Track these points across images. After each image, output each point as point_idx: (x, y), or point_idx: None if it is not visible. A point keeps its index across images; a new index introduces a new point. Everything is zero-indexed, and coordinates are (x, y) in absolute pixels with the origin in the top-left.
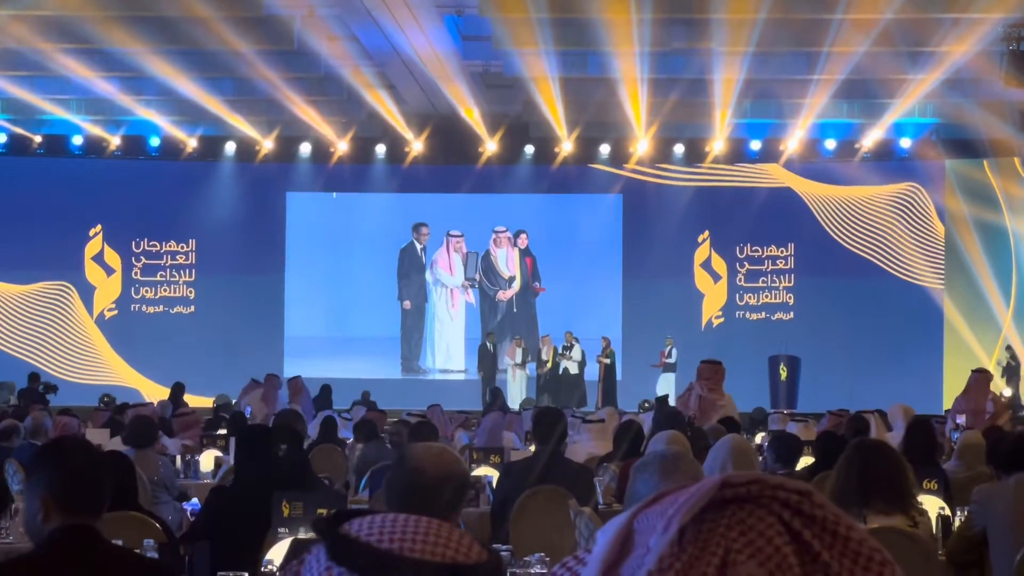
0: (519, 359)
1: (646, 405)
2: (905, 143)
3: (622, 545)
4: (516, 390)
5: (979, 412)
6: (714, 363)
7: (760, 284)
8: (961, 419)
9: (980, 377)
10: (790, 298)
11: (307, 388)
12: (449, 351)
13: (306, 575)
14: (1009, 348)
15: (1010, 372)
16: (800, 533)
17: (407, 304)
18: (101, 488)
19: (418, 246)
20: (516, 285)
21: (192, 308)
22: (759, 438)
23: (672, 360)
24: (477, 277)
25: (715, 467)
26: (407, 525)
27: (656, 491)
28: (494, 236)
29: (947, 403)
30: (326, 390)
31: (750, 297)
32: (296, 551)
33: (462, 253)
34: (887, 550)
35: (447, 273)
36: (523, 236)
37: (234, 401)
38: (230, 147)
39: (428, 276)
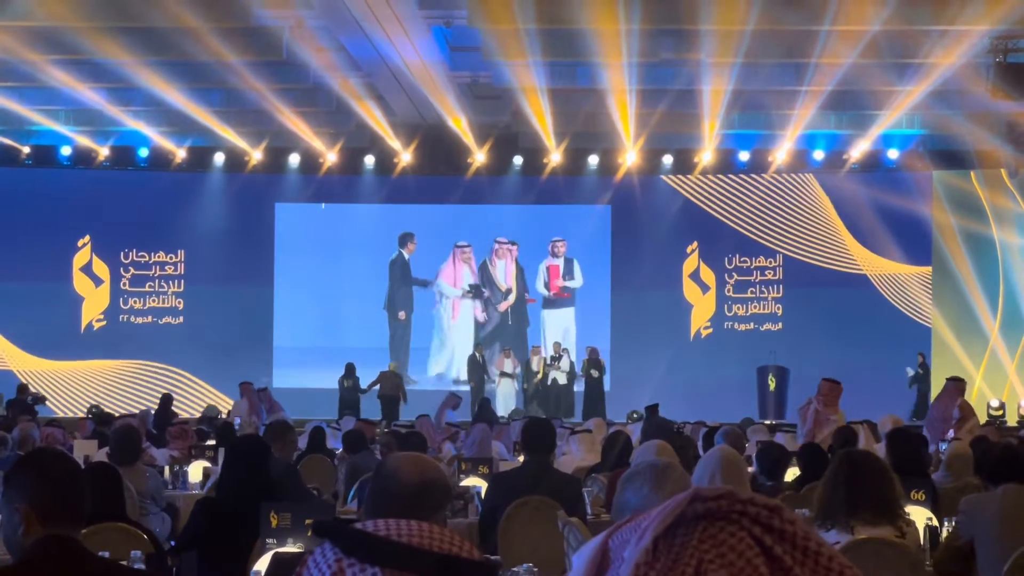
0: (508, 369)
1: (634, 416)
2: (892, 154)
3: (598, 565)
4: (504, 400)
5: (947, 420)
6: (834, 382)
7: (748, 295)
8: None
9: (951, 385)
10: (778, 309)
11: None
12: (452, 362)
13: (313, 572)
14: (921, 354)
15: (918, 381)
16: (771, 548)
17: (402, 315)
18: (82, 498)
19: (405, 255)
20: (512, 296)
21: (181, 319)
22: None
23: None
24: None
25: (704, 477)
26: (410, 526)
27: (646, 500)
28: (495, 247)
29: None
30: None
31: (738, 308)
32: (278, 565)
33: (470, 264)
34: (874, 560)
35: (450, 284)
36: (514, 247)
37: (226, 412)
38: (219, 158)
39: (439, 285)
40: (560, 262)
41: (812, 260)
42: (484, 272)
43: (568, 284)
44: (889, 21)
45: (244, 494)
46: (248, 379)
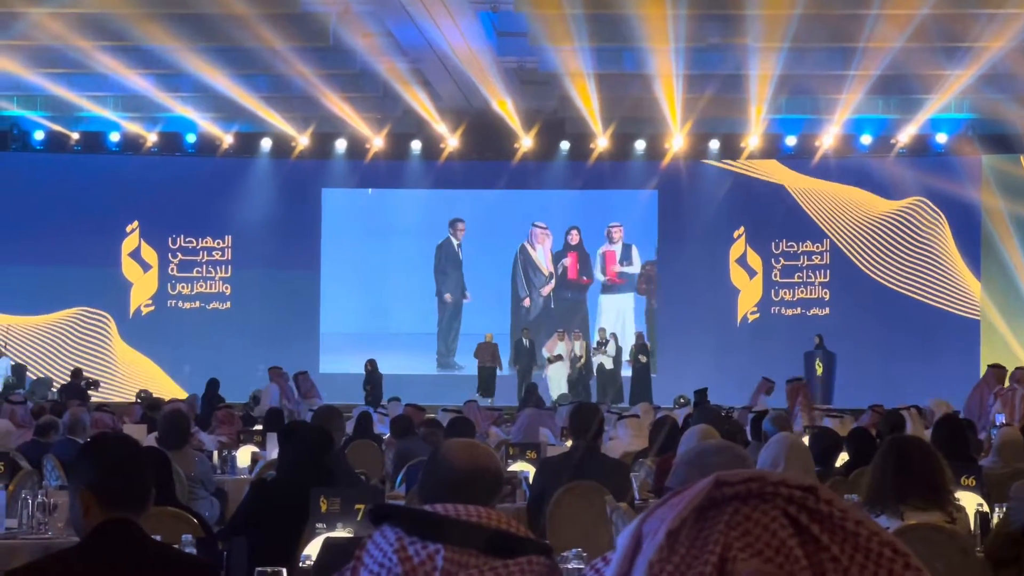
0: (561, 352)
1: (681, 401)
2: (941, 139)
3: (634, 550)
4: (557, 384)
5: (982, 405)
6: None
7: (796, 280)
8: (1001, 417)
9: (991, 372)
10: (825, 293)
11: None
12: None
13: (374, 554)
14: (819, 336)
15: (819, 362)
16: (808, 527)
17: (448, 298)
18: (143, 483)
19: (455, 242)
20: (553, 281)
21: (228, 304)
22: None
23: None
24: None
25: (767, 463)
26: (467, 508)
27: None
28: (533, 231)
29: None
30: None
31: (785, 293)
32: (329, 550)
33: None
34: (924, 546)
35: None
36: (574, 232)
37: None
38: (266, 143)
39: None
40: (617, 247)
41: (860, 244)
42: (524, 256)
43: (625, 269)
44: (937, 4)
45: (300, 479)
46: (294, 363)
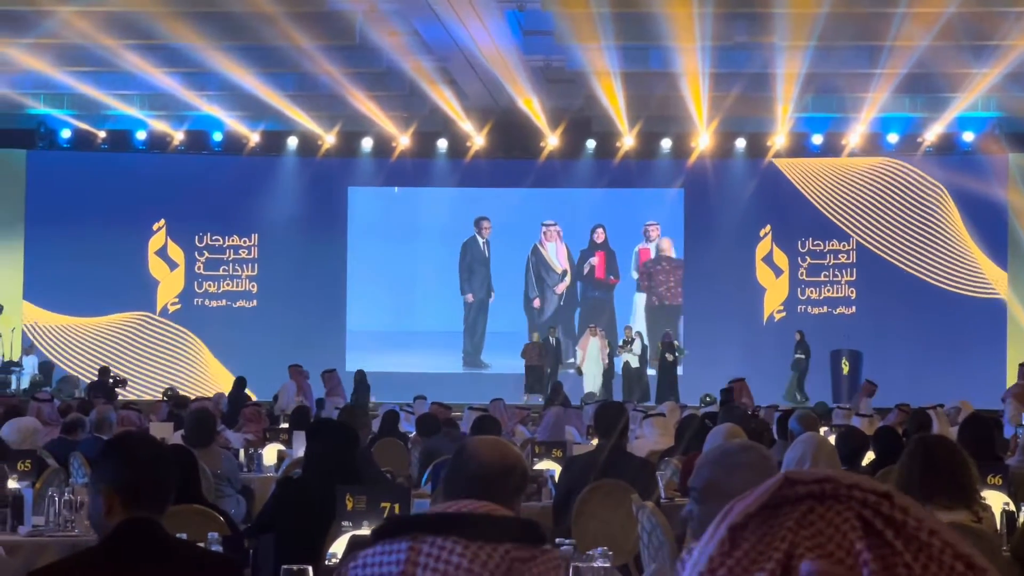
0: (595, 349)
1: (707, 399)
2: (968, 137)
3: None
4: (592, 380)
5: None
6: None
7: (822, 278)
8: None
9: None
10: (852, 293)
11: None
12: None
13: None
14: (800, 332)
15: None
16: (882, 532)
17: (469, 298)
18: (165, 483)
19: (480, 240)
20: (568, 279)
21: (255, 302)
22: (822, 432)
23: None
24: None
25: (793, 462)
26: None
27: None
28: (544, 230)
29: None
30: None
31: (812, 291)
32: (354, 548)
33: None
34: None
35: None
36: (600, 230)
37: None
38: (292, 142)
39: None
40: (653, 246)
41: (886, 243)
42: (536, 256)
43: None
44: (964, 3)
45: (326, 477)
46: (320, 362)
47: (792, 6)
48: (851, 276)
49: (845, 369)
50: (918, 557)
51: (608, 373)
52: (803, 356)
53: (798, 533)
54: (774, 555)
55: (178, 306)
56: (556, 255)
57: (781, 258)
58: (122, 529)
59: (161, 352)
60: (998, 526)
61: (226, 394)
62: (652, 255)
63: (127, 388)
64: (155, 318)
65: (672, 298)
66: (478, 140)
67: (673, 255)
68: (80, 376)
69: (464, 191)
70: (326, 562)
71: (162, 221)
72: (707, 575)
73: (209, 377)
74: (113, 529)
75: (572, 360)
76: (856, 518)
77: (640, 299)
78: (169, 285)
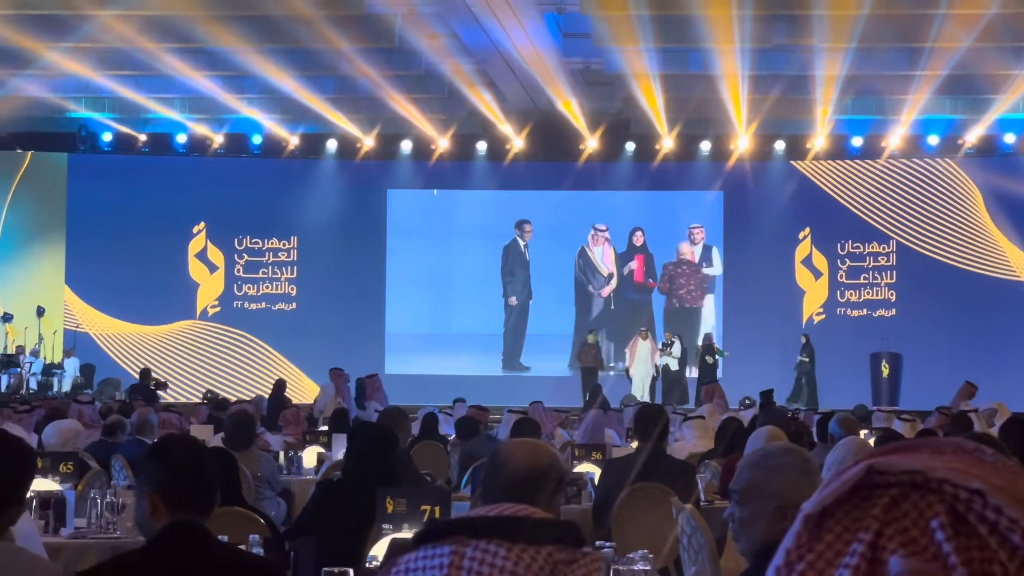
0: (644, 352)
1: (747, 402)
2: (1009, 139)
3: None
4: (642, 383)
5: None
6: None
7: (862, 281)
8: None
9: None
10: (892, 295)
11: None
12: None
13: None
14: (805, 336)
15: (803, 366)
16: (975, 530)
17: (512, 301)
18: (209, 486)
19: (521, 243)
20: (614, 282)
21: (294, 305)
22: (862, 435)
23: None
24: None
25: (834, 466)
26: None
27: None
28: (592, 233)
29: None
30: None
31: (851, 294)
32: (395, 551)
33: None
34: None
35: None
36: (639, 233)
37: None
38: (331, 145)
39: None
40: (698, 249)
41: (926, 245)
42: (583, 258)
43: (706, 271)
44: (1006, 4)
45: (366, 480)
46: (360, 365)
47: (832, 8)
48: (891, 278)
49: (885, 372)
50: (1013, 557)
51: (654, 377)
52: (807, 359)
53: (885, 524)
54: (858, 548)
55: (218, 309)
56: (603, 258)
57: (820, 260)
58: (167, 532)
59: (201, 355)
60: None
61: (266, 397)
62: (696, 257)
63: (167, 391)
64: (195, 321)
65: (693, 300)
66: (517, 143)
67: (695, 260)
68: (121, 378)
69: (503, 194)
70: (366, 565)
71: (202, 224)
72: (784, 569)
73: (253, 379)
74: (158, 532)
75: (613, 364)
76: (947, 513)
77: (661, 302)
78: (209, 288)
